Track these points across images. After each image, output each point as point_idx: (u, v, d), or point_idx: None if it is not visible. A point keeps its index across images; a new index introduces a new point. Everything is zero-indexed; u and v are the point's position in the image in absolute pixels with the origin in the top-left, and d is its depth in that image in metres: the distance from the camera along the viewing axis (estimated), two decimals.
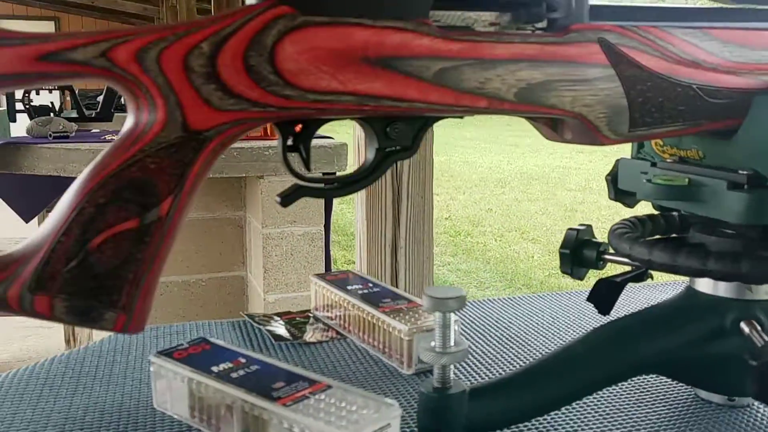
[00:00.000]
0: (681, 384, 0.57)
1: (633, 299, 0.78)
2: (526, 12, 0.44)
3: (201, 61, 0.37)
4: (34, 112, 2.55)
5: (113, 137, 2.49)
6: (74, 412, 0.53)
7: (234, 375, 0.50)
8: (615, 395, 0.55)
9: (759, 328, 0.49)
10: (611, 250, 0.59)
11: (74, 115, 2.88)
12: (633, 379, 0.58)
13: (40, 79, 0.37)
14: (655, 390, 0.57)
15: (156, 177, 0.38)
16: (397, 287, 1.78)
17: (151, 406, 0.54)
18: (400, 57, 0.40)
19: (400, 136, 0.43)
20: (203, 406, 0.50)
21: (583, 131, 0.45)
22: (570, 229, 0.62)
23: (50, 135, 2.16)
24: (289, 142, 0.43)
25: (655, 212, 0.60)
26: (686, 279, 0.59)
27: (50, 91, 2.62)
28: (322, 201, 2.39)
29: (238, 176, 2.27)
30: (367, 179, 0.44)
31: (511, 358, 0.64)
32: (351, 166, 2.03)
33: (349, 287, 0.71)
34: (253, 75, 0.38)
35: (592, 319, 0.74)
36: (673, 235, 0.57)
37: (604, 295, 0.60)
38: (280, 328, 0.71)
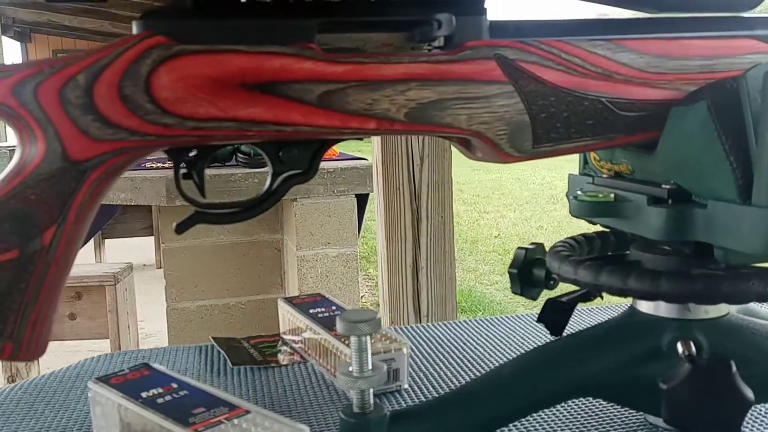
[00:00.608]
0: (627, 409, 0.55)
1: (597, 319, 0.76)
2: (419, 32, 0.43)
3: (77, 93, 0.38)
4: None
5: (153, 164, 2.55)
6: None
7: (160, 401, 0.50)
8: (557, 419, 0.53)
9: (694, 348, 0.47)
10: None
11: None
12: (580, 402, 0.56)
13: None
14: (603, 414, 0.54)
15: (37, 208, 0.39)
16: (419, 308, 1.77)
17: None
18: (280, 81, 0.40)
19: (293, 160, 0.43)
20: None
21: (487, 149, 0.44)
22: (519, 248, 0.61)
23: None
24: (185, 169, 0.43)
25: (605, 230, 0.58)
26: None
27: None
28: (355, 222, 2.40)
29: None
30: (263, 204, 0.44)
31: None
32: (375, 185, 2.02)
33: (311, 311, 0.70)
34: (129, 104, 0.39)
35: None
36: (612, 253, 0.55)
37: (553, 316, 0.58)
38: (242, 352, 0.71)
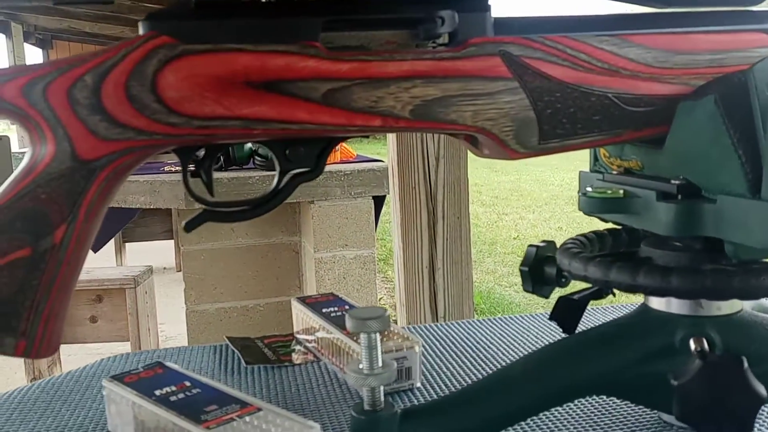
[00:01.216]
0: (642, 407, 0.54)
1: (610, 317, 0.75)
2: (422, 29, 0.43)
3: (85, 93, 0.39)
4: None
5: (171, 168, 2.57)
6: None
7: (173, 398, 0.51)
8: (570, 417, 0.53)
9: (707, 345, 0.47)
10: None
11: None
12: (593, 399, 0.56)
13: None
14: (615, 412, 0.54)
15: (47, 207, 0.39)
16: (436, 309, 1.76)
17: (107, 430, 0.56)
18: (284, 79, 0.40)
19: (300, 158, 0.43)
20: (144, 430, 0.51)
21: (493, 146, 0.44)
22: (530, 245, 0.61)
23: None
24: (192, 167, 0.43)
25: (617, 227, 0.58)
26: None
27: None
28: (372, 224, 2.40)
29: (292, 202, 2.30)
30: (270, 202, 0.44)
31: None
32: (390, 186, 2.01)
33: (324, 310, 0.71)
34: (136, 104, 0.39)
35: None
36: (623, 250, 0.55)
37: (565, 313, 0.58)
38: (257, 352, 0.71)
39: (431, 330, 0.77)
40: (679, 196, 0.46)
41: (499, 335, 0.74)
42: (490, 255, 5.14)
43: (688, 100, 0.44)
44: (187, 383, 0.53)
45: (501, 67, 0.43)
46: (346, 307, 0.72)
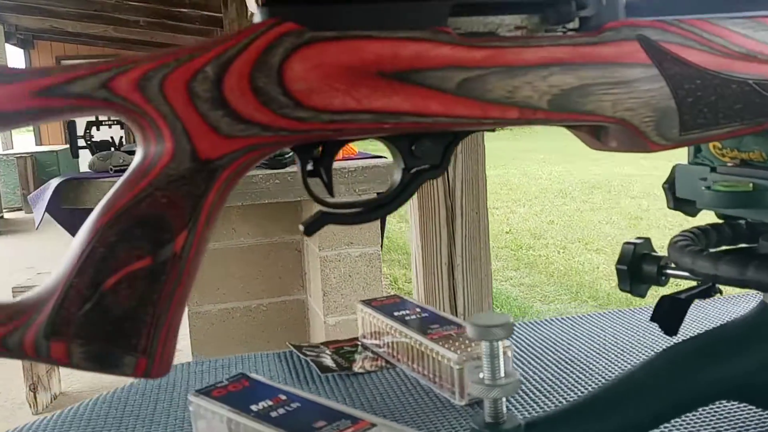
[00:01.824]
0: (761, 410, 0.52)
1: (703, 316, 0.73)
2: (555, 12, 0.40)
3: (206, 86, 0.35)
4: (95, 147, 2.62)
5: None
6: None
7: (273, 414, 0.48)
8: (689, 425, 0.51)
9: None
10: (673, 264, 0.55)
11: (134, 148, 2.94)
12: (709, 406, 0.53)
13: (40, 116, 0.35)
14: (734, 417, 0.52)
15: (168, 212, 0.36)
16: (456, 306, 1.74)
17: None
18: (417, 69, 0.37)
19: (426, 154, 0.40)
20: None
21: (629, 138, 0.41)
22: (626, 243, 0.58)
23: (111, 169, 2.21)
24: (309, 166, 0.40)
25: (719, 221, 0.56)
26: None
27: (110, 126, 2.68)
28: (377, 221, 2.37)
29: (294, 200, 2.27)
30: (394, 202, 0.41)
31: (571, 385, 0.60)
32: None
33: (396, 313, 0.68)
34: (262, 97, 0.36)
35: (658, 337, 0.69)
36: (741, 245, 0.52)
37: (668, 314, 0.55)
38: (326, 359, 0.68)
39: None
40: None
41: (572, 334, 0.71)
42: None
43: None
44: (283, 396, 0.50)
45: (640, 53, 0.40)
46: (418, 309, 0.69)
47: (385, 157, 2.24)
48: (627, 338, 0.69)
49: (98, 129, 2.67)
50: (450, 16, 0.39)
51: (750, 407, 0.52)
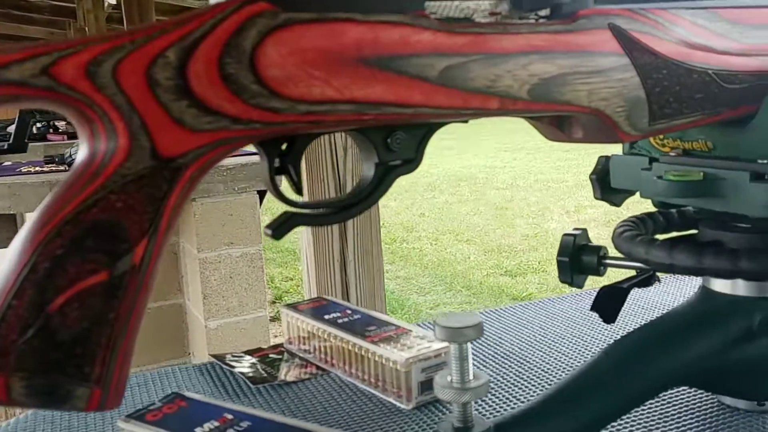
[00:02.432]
0: (701, 392, 0.53)
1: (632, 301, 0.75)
2: None
3: (167, 73, 0.31)
4: None
5: (30, 170, 2.33)
6: None
7: None
8: (641, 413, 0.51)
9: None
10: (611, 254, 0.55)
11: None
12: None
13: None
14: (678, 402, 0.53)
15: (124, 217, 0.31)
16: (348, 302, 1.72)
17: None
18: (400, 55, 0.34)
19: (402, 147, 0.38)
20: None
21: (598, 129, 0.41)
22: (566, 234, 0.58)
23: None
24: (276, 163, 0.36)
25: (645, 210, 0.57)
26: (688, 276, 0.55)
27: None
28: (259, 220, 2.30)
29: None
30: (368, 199, 0.38)
31: (513, 380, 0.59)
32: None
33: (326, 316, 0.64)
34: (232, 86, 0.32)
35: (584, 326, 0.70)
36: (684, 233, 0.53)
37: (608, 303, 0.56)
38: (254, 369, 0.64)
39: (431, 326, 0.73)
40: None
41: (500, 328, 0.71)
42: None
43: None
44: (229, 416, 0.46)
45: (612, 42, 0.39)
46: (348, 311, 0.66)
47: None
48: (554, 328, 0.70)
49: None
50: None
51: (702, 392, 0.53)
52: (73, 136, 3.52)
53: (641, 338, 0.48)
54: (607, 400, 0.45)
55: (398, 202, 6.47)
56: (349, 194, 0.38)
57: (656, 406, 0.52)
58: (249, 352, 0.68)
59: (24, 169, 2.30)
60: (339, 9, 0.33)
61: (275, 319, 3.62)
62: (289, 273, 4.45)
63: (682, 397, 0.53)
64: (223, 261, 2.28)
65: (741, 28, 0.44)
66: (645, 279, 0.55)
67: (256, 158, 2.09)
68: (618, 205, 0.61)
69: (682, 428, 0.49)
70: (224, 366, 0.64)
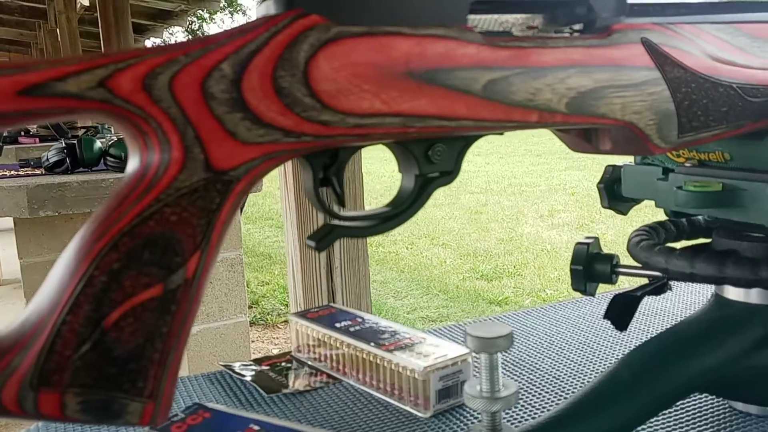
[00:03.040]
0: (713, 398, 0.54)
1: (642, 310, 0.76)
2: (566, 13, 0.39)
3: (223, 86, 0.31)
4: None
5: (4, 173, 2.29)
6: None
7: None
8: (657, 420, 0.52)
9: None
10: (625, 262, 0.56)
11: None
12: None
13: (22, 119, 0.29)
14: (692, 408, 0.54)
15: (179, 230, 0.31)
16: None
17: None
18: (445, 68, 0.35)
19: (442, 159, 0.38)
20: None
21: (629, 141, 0.41)
22: (579, 243, 0.58)
23: None
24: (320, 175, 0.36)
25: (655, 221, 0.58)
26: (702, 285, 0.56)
27: None
28: (239, 224, 2.29)
29: None
30: (408, 211, 0.38)
31: (527, 387, 0.60)
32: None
33: (338, 324, 0.64)
34: (285, 99, 0.32)
35: (588, 332, 0.71)
36: (696, 241, 0.54)
37: (621, 311, 0.57)
38: (267, 378, 0.63)
39: (449, 332, 0.73)
40: None
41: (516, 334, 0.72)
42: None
43: None
44: (256, 427, 0.45)
45: (645, 56, 0.40)
46: (359, 319, 0.66)
47: None
48: (560, 335, 0.70)
49: None
50: (469, 13, 0.36)
51: (714, 398, 0.54)
52: (44, 139, 3.46)
53: (660, 347, 0.49)
54: (629, 409, 0.46)
55: (374, 206, 6.47)
56: (390, 205, 0.38)
57: (671, 413, 0.53)
58: (257, 361, 0.68)
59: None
60: (388, 23, 0.34)
61: (253, 323, 3.60)
62: (264, 278, 4.43)
63: (695, 403, 0.54)
64: None
65: (760, 42, 0.45)
66: (658, 287, 0.56)
67: None
68: (624, 213, 0.62)
69: None
70: (234, 375, 0.64)
